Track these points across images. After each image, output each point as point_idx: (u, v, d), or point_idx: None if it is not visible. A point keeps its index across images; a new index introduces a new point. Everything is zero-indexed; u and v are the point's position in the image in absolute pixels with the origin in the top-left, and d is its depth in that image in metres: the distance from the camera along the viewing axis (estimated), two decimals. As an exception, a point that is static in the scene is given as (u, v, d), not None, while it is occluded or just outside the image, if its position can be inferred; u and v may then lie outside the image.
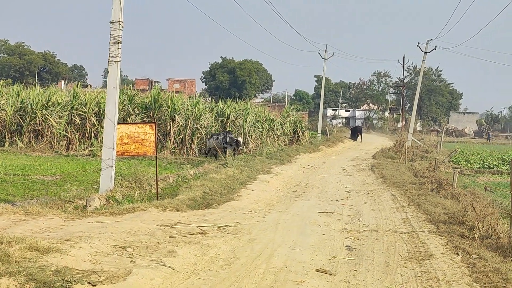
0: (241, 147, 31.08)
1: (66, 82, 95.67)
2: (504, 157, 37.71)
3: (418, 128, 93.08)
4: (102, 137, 17.58)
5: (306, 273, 8.97)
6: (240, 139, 31.81)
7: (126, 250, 9.27)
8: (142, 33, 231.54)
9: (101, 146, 19.69)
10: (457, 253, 10.38)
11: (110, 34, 15.74)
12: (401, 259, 10.18)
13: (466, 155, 39.44)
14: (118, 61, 15.77)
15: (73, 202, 14.01)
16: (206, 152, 30.54)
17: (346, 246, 11.18)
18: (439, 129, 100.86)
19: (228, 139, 29.54)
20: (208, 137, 31.23)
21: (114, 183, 16.03)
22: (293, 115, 46.01)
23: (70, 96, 30.96)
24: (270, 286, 8.22)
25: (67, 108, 29.87)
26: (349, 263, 9.82)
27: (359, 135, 59.15)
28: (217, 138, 29.83)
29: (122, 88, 31.10)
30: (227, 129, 32.78)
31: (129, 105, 30.86)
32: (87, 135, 29.62)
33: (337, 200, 17.88)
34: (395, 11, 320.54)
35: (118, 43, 15.71)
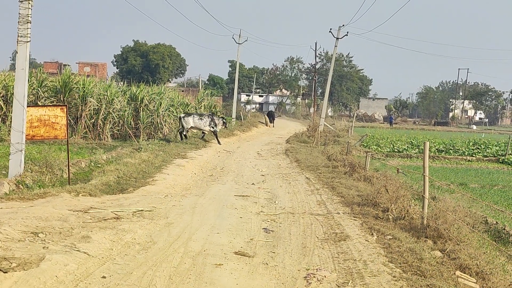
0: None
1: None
2: (412, 141, 38.85)
3: (330, 114, 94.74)
4: (11, 121, 16.91)
5: (224, 256, 8.93)
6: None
7: (38, 236, 8.94)
8: (50, 13, 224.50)
9: (9, 130, 18.97)
10: (372, 234, 10.61)
11: (19, 13, 15.13)
12: (318, 240, 10.30)
13: (376, 140, 40.37)
14: (28, 41, 15.18)
15: (-20, 188, 13.44)
16: (185, 132, 30.90)
17: (263, 228, 11.22)
18: (349, 115, 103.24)
19: (216, 121, 32.05)
20: (183, 115, 31.49)
21: (24, 167, 15.51)
22: (207, 99, 45.83)
23: (-25, 79, 29.56)
24: (189, 270, 8.13)
25: (-28, 91, 28.55)
26: (267, 245, 9.85)
27: (273, 120, 59.87)
28: (201, 119, 31.36)
29: (31, 71, 29.88)
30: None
31: (38, 89, 29.80)
32: (-7, 119, 28.42)
33: (253, 183, 17.95)
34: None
35: (28, 22, 15.12)
